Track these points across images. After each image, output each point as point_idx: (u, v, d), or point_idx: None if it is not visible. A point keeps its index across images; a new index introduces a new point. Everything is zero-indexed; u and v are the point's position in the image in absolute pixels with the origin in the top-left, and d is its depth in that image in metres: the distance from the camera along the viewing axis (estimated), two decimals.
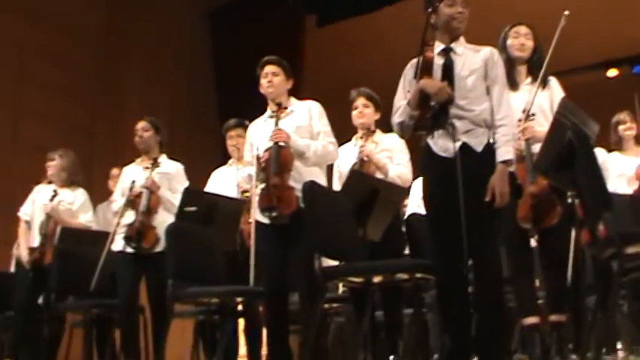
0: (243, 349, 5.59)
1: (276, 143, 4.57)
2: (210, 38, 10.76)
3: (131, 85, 9.57)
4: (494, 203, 3.49)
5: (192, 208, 4.95)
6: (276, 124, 4.64)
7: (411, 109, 3.62)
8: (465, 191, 3.41)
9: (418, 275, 3.69)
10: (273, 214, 4.49)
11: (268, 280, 4.51)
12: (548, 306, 4.18)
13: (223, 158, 5.99)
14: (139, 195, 5.44)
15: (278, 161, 4.53)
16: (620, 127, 5.46)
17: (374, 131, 5.06)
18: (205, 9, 10.77)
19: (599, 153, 4.60)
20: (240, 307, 5.12)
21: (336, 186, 4.99)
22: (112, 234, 5.42)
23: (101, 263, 5.26)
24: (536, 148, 4.07)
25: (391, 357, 4.70)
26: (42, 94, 8.34)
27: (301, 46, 10.01)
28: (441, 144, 3.60)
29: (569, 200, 4.02)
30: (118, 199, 5.67)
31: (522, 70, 4.41)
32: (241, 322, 5.49)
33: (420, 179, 3.98)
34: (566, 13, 4.36)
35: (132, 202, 5.45)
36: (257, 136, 4.76)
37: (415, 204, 5.71)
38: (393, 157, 4.99)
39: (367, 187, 4.25)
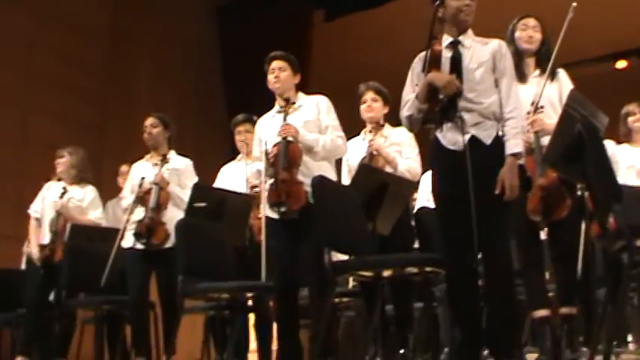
0: (253, 344, 5.60)
1: (284, 138, 4.57)
2: (217, 34, 10.76)
3: (140, 82, 9.58)
4: (503, 196, 3.48)
5: (202, 204, 4.95)
6: (285, 120, 4.64)
7: (420, 102, 3.62)
8: (474, 184, 3.40)
9: (428, 269, 3.69)
10: (282, 209, 4.49)
11: (278, 275, 4.52)
12: (558, 299, 4.17)
13: (232, 154, 5.99)
14: (149, 191, 5.46)
15: (287, 156, 4.54)
16: (630, 119, 5.43)
17: (383, 125, 5.05)
18: (213, 5, 10.76)
19: (609, 145, 4.59)
20: (250, 303, 5.13)
21: (345, 180, 4.99)
22: (122, 230, 5.43)
23: (111, 260, 5.27)
24: (545, 140, 4.06)
25: (401, 351, 4.70)
26: (52, 93, 8.36)
27: (309, 41, 10.00)
28: (449, 137, 3.59)
29: (579, 193, 4.03)
30: (127, 196, 5.69)
31: (530, 62, 4.40)
32: (251, 317, 5.50)
33: (429, 173, 3.98)
34: (574, 4, 4.34)
35: (141, 199, 5.46)
36: (265, 132, 4.76)
37: (424, 198, 5.71)
38: (402, 151, 4.99)
39: (376, 181, 4.25)
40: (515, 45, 4.36)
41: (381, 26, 10.11)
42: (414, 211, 5.02)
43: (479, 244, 3.43)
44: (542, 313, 4.13)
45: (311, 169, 4.54)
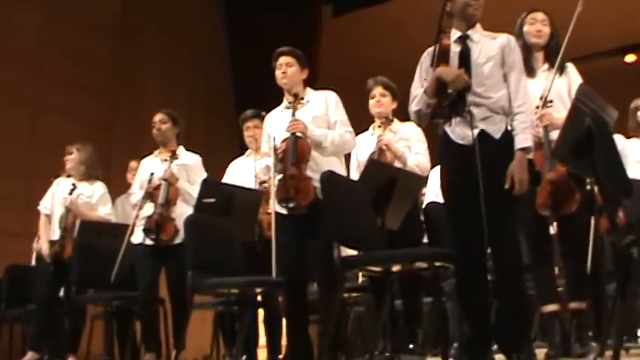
0: (262, 340, 5.61)
1: (293, 134, 4.57)
2: (226, 30, 10.77)
3: (148, 79, 9.61)
4: (513, 191, 3.47)
5: (211, 200, 4.96)
6: (293, 115, 4.64)
7: (428, 97, 3.61)
8: (483, 178, 3.40)
9: (437, 264, 3.69)
10: (291, 204, 4.49)
11: (287, 270, 4.52)
12: (567, 293, 4.17)
13: (241, 149, 6.00)
14: (158, 187, 5.47)
15: (295, 152, 4.53)
16: (639, 113, 5.41)
17: (392, 120, 5.05)
18: (221, 1, 10.77)
19: (618, 139, 4.57)
20: (259, 298, 5.14)
21: (354, 175, 4.99)
22: (132, 226, 5.45)
23: (121, 256, 5.29)
24: (555, 134, 4.05)
25: (410, 346, 4.71)
26: (61, 90, 8.39)
27: (317, 37, 10.00)
28: (458, 132, 3.58)
29: (588, 187, 4.01)
30: (136, 192, 5.70)
31: (539, 56, 4.38)
32: (261, 312, 5.52)
33: (438, 168, 3.98)
34: None
35: (150, 195, 5.47)
36: (274, 127, 4.76)
37: (433, 192, 5.70)
38: (411, 146, 4.99)
39: (385, 176, 4.25)
40: (524, 39, 4.34)
41: (389, 21, 10.10)
42: (423, 205, 5.01)
43: (488, 239, 3.42)
44: (551, 307, 4.13)
45: (320, 164, 4.53)
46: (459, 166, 3.56)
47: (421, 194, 5.71)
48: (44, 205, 6.37)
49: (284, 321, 4.93)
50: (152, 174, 5.51)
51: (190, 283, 4.38)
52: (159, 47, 9.81)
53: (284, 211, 4.56)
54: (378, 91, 5.04)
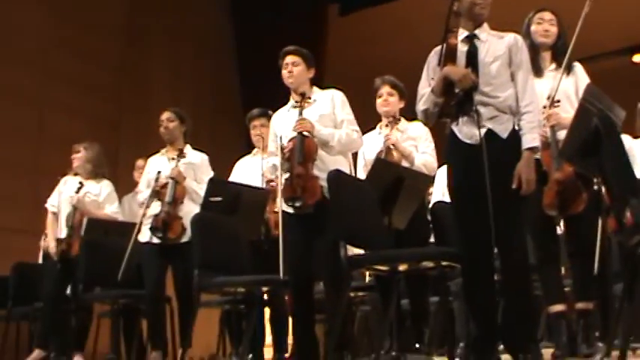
0: (269, 338, 5.62)
1: (300, 133, 4.57)
2: (233, 28, 10.77)
3: (155, 77, 9.62)
4: (520, 190, 3.47)
5: (218, 199, 4.97)
6: (300, 114, 4.64)
7: (436, 96, 3.62)
8: (490, 178, 3.40)
9: (444, 263, 3.69)
10: (297, 203, 4.49)
11: (293, 269, 4.52)
12: (574, 293, 4.16)
13: (247, 148, 6.01)
14: (165, 186, 5.47)
15: (302, 151, 4.53)
16: None
17: (399, 119, 5.05)
18: (228, 0, 10.78)
19: (626, 139, 4.57)
20: (265, 297, 5.14)
21: (361, 174, 4.99)
22: (139, 225, 5.45)
23: (128, 254, 5.30)
24: (562, 134, 4.05)
25: (417, 345, 4.71)
26: (68, 88, 8.40)
27: (324, 36, 10.00)
28: (465, 131, 3.58)
29: (595, 187, 4.00)
30: (143, 190, 5.71)
31: (546, 56, 4.38)
32: (267, 311, 5.52)
33: (445, 167, 3.97)
34: None
35: (158, 193, 5.48)
36: (280, 127, 4.76)
37: (440, 192, 5.70)
38: (418, 146, 4.99)
39: (392, 176, 4.26)
40: (531, 39, 4.33)
41: (396, 20, 10.10)
42: (430, 205, 5.01)
43: (495, 239, 3.42)
44: (558, 308, 4.12)
45: (326, 163, 4.54)
46: (466, 166, 3.56)
47: (428, 194, 5.71)
48: (51, 203, 6.39)
49: (290, 320, 4.94)
50: (159, 172, 5.52)
51: (197, 281, 4.39)
52: (166, 46, 9.82)
53: (291, 210, 4.56)
54: (385, 90, 5.04)
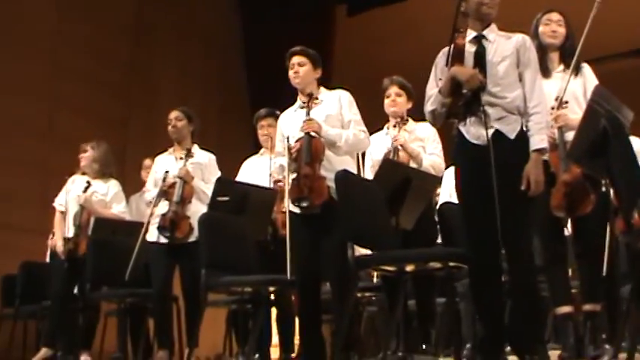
0: (275, 338, 5.62)
1: (307, 133, 4.57)
2: (241, 28, 10.79)
3: (163, 76, 9.64)
4: (528, 192, 3.46)
5: (225, 198, 4.98)
6: (307, 115, 4.64)
7: (443, 96, 3.61)
8: (498, 179, 3.39)
9: (451, 264, 3.69)
10: (304, 204, 4.49)
11: (300, 269, 4.53)
12: (581, 295, 4.15)
13: (255, 148, 6.01)
14: (173, 185, 5.48)
15: (309, 151, 4.53)
16: None
17: (406, 120, 5.05)
18: None
19: (634, 141, 4.56)
20: (272, 296, 5.14)
21: (368, 175, 4.99)
22: (146, 224, 5.46)
23: (135, 253, 5.31)
24: (570, 135, 4.04)
25: (423, 346, 4.71)
26: (76, 87, 8.43)
27: (331, 36, 10.01)
28: (473, 131, 3.58)
29: (604, 188, 4.00)
30: (150, 189, 5.71)
31: (554, 57, 4.37)
32: (274, 311, 5.52)
33: (453, 168, 3.97)
34: (600, 0, 4.31)
35: (165, 193, 5.48)
36: (288, 127, 4.76)
37: (447, 193, 5.69)
38: (425, 147, 4.99)
39: (400, 176, 4.25)
40: (539, 39, 4.33)
41: (404, 21, 10.09)
42: (437, 206, 5.01)
43: (502, 240, 3.42)
44: (565, 309, 4.12)
45: (333, 163, 4.54)
46: (474, 166, 3.56)
47: (435, 194, 5.70)
48: (59, 202, 6.40)
49: (297, 320, 4.94)
50: (167, 172, 5.52)
51: (204, 281, 4.40)
52: (174, 45, 9.84)
53: (298, 211, 4.57)
54: (393, 90, 5.04)
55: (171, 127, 5.70)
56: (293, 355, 5.33)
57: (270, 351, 5.56)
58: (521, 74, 3.65)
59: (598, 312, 4.08)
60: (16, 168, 7.69)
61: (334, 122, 4.65)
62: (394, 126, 5.04)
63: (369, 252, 4.03)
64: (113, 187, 6.35)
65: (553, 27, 4.34)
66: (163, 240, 5.44)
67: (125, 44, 9.26)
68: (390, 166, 4.63)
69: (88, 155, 6.35)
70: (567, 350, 4.21)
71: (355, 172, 4.69)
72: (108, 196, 6.29)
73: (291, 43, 4.89)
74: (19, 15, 7.97)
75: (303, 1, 10.09)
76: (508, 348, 3.66)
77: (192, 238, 5.34)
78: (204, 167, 5.66)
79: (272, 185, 5.32)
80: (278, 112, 5.15)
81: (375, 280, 5.36)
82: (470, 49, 3.64)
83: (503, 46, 3.67)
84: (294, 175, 4.58)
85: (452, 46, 3.60)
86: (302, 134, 4.59)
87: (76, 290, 6.02)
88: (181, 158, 5.57)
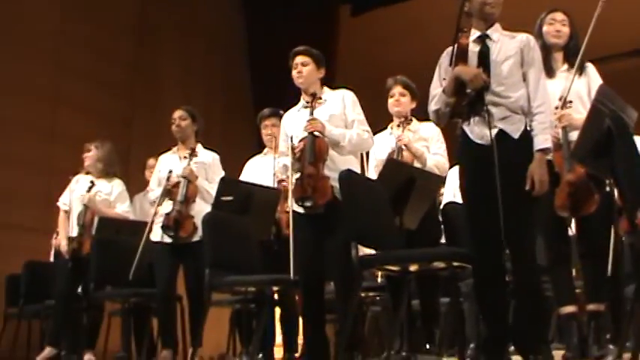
0: (279, 338, 5.62)
1: (310, 133, 4.57)
2: (244, 27, 10.79)
3: (167, 75, 9.65)
4: (532, 191, 3.46)
5: (229, 198, 4.98)
6: (311, 114, 4.64)
7: (447, 96, 3.61)
8: (501, 178, 3.39)
9: (455, 264, 3.69)
10: (308, 203, 4.49)
11: (304, 269, 4.53)
12: (585, 295, 4.15)
13: (258, 147, 6.01)
14: (177, 184, 5.47)
15: (313, 151, 4.53)
16: None
17: (410, 120, 5.04)
18: None
19: (638, 141, 4.55)
20: (276, 296, 5.14)
21: (372, 174, 4.99)
22: (150, 223, 5.47)
23: (139, 253, 5.31)
24: (574, 135, 4.03)
25: (427, 346, 4.70)
26: (80, 86, 8.44)
27: (335, 36, 10.01)
28: (477, 131, 3.58)
29: (608, 188, 3.99)
30: (154, 188, 5.71)
31: (558, 56, 4.36)
32: (277, 310, 5.52)
33: (456, 168, 3.97)
34: None
35: (169, 192, 5.48)
36: (291, 127, 4.76)
37: (451, 192, 5.70)
38: (429, 147, 4.99)
39: (404, 176, 4.26)
40: (543, 39, 4.32)
41: (408, 21, 10.09)
42: (441, 205, 5.01)
43: (506, 240, 3.41)
44: (569, 309, 4.11)
45: (337, 163, 4.54)
46: (478, 166, 3.56)
47: (439, 194, 5.70)
48: (63, 202, 6.40)
49: (300, 319, 4.94)
50: (170, 171, 5.53)
51: (208, 280, 4.40)
52: (178, 44, 9.86)
53: (301, 210, 4.57)
54: (397, 90, 5.04)
55: (175, 127, 5.70)
56: (297, 354, 5.33)
57: (274, 351, 5.57)
58: (525, 74, 3.64)
59: (602, 312, 4.07)
60: (20, 168, 7.71)
61: (338, 122, 4.65)
62: (398, 126, 5.04)
63: (372, 252, 4.03)
64: (117, 186, 6.36)
65: (557, 26, 4.34)
66: (167, 239, 5.45)
67: (128, 44, 9.28)
68: (394, 165, 4.63)
69: (91, 155, 6.35)
70: (571, 350, 4.20)
71: (359, 171, 4.68)
72: (112, 196, 6.30)
73: (294, 43, 4.89)
74: (22, 15, 7.98)
75: (306, 1, 10.09)
76: (512, 348, 3.66)
77: (196, 238, 5.34)
78: (208, 167, 5.66)
79: (276, 185, 5.32)
80: (282, 112, 5.15)
81: (379, 279, 5.35)
82: (474, 48, 3.64)
83: (507, 45, 3.66)
84: (297, 175, 4.58)
85: (456, 45, 3.60)
86: (305, 134, 4.59)
87: (79, 290, 6.02)
88: (185, 157, 5.57)
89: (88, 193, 6.17)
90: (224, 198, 4.99)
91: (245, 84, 10.59)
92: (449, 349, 5.10)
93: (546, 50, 4.27)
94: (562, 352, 4.29)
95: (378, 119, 5.07)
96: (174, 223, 5.40)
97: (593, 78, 4.28)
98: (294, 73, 4.75)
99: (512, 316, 3.63)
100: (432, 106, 3.71)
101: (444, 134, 4.98)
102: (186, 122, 5.69)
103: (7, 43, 7.79)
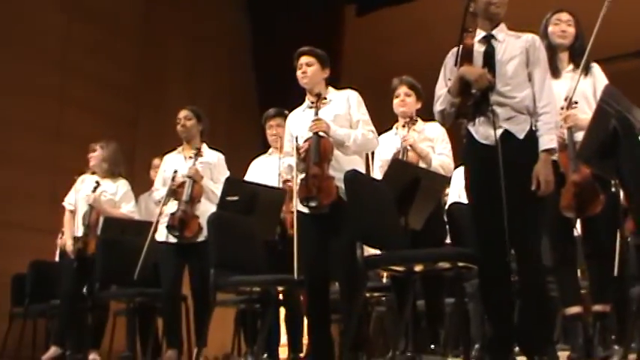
0: (284, 338, 5.62)
1: (315, 133, 4.57)
2: (250, 28, 10.80)
3: (172, 76, 9.66)
4: (537, 192, 3.46)
5: (234, 198, 4.98)
6: (316, 114, 4.64)
7: (452, 96, 3.61)
8: (507, 179, 3.39)
9: (460, 264, 3.68)
10: (313, 203, 4.49)
11: (309, 269, 4.53)
12: (591, 295, 4.14)
13: (263, 147, 6.01)
14: (182, 184, 5.48)
15: (318, 151, 4.54)
16: None
17: (415, 120, 5.04)
18: None
19: None
20: (281, 296, 5.15)
21: (377, 175, 4.99)
22: (155, 223, 5.47)
23: (144, 252, 5.32)
24: (579, 136, 4.03)
25: (432, 346, 4.70)
26: (86, 87, 8.46)
27: (340, 36, 10.00)
28: (482, 131, 3.57)
29: (613, 189, 3.98)
30: (159, 188, 5.71)
31: (564, 57, 4.36)
32: (282, 310, 5.53)
33: (462, 168, 3.96)
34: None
35: (174, 192, 5.48)
36: (296, 127, 4.76)
37: (456, 193, 5.69)
38: (434, 147, 4.98)
39: (409, 176, 4.25)
40: (549, 39, 4.32)
41: (413, 21, 10.09)
42: (446, 206, 5.00)
43: (511, 240, 3.41)
44: (574, 310, 4.11)
45: (342, 163, 4.54)
46: (483, 166, 3.56)
47: (444, 194, 5.70)
48: (68, 202, 6.42)
49: (305, 319, 4.94)
50: (175, 171, 5.53)
51: (213, 280, 4.42)
52: (182, 45, 9.86)
53: (306, 210, 4.57)
54: (402, 90, 5.04)
55: (181, 127, 5.71)
56: (301, 354, 5.33)
57: (279, 351, 5.57)
58: (531, 74, 3.64)
59: (607, 312, 4.07)
60: (25, 167, 7.72)
61: (343, 122, 4.65)
62: (403, 126, 5.03)
63: (378, 252, 4.03)
64: (122, 186, 6.37)
65: (562, 27, 4.33)
66: (172, 239, 5.45)
67: (134, 45, 9.29)
68: (399, 166, 4.63)
69: (97, 155, 6.36)
70: (576, 351, 4.20)
71: (364, 172, 4.69)
72: (117, 196, 6.31)
73: (299, 43, 4.90)
74: (28, 16, 8.00)
75: (311, 1, 10.09)
76: (517, 348, 3.65)
77: (201, 238, 5.34)
78: (213, 167, 5.66)
79: (281, 185, 5.32)
80: (286, 112, 5.15)
81: (384, 280, 5.36)
82: (479, 48, 3.64)
83: (513, 45, 3.66)
84: (302, 175, 4.58)
85: (461, 46, 3.59)
86: (310, 134, 4.59)
87: (85, 289, 6.03)
88: (190, 157, 5.57)
89: (93, 193, 6.18)
90: (229, 198, 4.99)
91: (250, 84, 10.59)
92: (454, 349, 5.11)
93: (552, 50, 4.26)
94: (567, 352, 4.28)
95: (383, 119, 5.07)
96: (180, 223, 5.40)
97: (598, 78, 4.28)
98: (298, 73, 4.76)
99: (518, 316, 3.63)
100: (438, 107, 3.71)
101: (449, 134, 4.97)
102: (191, 122, 5.70)
103: (13, 44, 7.81)
